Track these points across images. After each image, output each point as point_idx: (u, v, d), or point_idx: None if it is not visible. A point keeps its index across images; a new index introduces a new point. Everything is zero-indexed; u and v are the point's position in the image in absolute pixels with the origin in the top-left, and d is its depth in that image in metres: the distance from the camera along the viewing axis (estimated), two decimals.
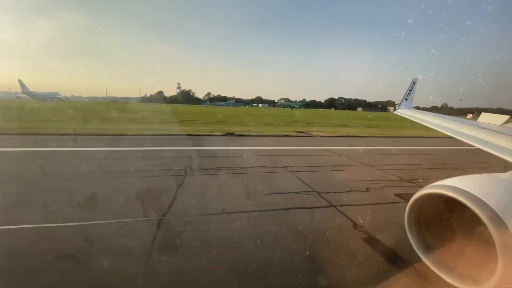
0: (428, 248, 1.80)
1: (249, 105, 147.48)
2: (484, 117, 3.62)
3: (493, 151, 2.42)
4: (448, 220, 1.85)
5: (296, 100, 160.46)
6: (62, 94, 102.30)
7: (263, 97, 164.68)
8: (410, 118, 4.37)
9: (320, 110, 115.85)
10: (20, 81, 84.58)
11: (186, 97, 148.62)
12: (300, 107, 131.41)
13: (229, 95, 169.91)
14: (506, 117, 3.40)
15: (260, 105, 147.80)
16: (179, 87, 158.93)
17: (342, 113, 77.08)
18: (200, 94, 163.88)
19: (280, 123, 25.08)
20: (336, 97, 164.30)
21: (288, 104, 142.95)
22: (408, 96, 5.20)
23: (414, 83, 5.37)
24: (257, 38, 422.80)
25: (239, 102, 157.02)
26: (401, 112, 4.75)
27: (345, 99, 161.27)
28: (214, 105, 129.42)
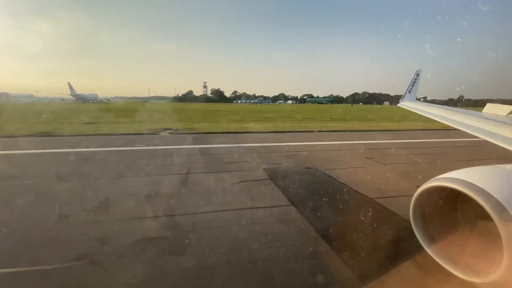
0: (433, 240, 1.75)
1: (275, 102, 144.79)
2: (489, 108, 3.47)
3: (498, 142, 2.35)
4: (453, 212, 1.80)
5: (318, 96, 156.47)
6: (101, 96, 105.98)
7: (286, 94, 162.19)
8: (413, 110, 4.24)
9: (355, 105, 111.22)
10: (69, 84, 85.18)
11: (219, 96, 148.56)
12: (327, 102, 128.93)
13: (251, 93, 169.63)
14: (511, 107, 3.24)
15: (289, 101, 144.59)
16: (205, 86, 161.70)
17: (389, 107, 72.14)
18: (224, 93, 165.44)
19: (398, 118, 24.29)
20: (360, 92, 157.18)
21: (315, 100, 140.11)
22: (411, 88, 4.95)
23: (417, 75, 5.07)
24: (276, 35, 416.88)
25: (266, 99, 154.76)
26: (404, 104, 4.55)
27: (369, 93, 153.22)
28: (244, 103, 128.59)
